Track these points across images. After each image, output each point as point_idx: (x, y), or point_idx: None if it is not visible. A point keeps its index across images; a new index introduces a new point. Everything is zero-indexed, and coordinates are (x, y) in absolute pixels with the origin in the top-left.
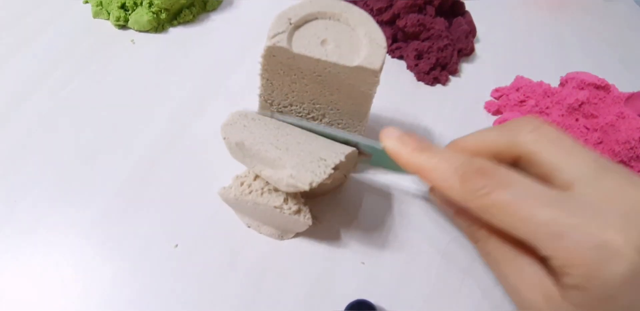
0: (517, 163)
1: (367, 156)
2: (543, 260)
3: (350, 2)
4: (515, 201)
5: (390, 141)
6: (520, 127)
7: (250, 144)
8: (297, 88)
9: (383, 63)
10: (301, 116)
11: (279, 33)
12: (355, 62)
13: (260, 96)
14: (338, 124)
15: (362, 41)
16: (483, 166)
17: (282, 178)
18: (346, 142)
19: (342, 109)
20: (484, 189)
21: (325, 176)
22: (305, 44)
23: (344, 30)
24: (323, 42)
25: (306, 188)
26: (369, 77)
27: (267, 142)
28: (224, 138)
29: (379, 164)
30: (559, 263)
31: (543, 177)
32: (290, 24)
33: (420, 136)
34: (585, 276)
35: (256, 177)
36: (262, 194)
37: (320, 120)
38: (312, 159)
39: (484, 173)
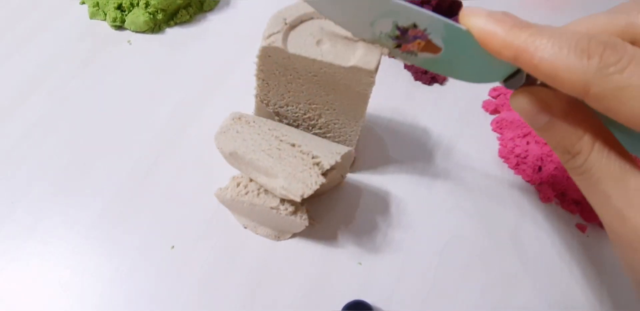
0: None
1: (435, 50)
2: None
3: None
4: None
5: (479, 19)
6: (639, 8)
7: (243, 153)
8: (293, 88)
9: (379, 63)
10: (297, 116)
11: (274, 33)
12: (350, 62)
13: (256, 96)
14: (334, 124)
15: (357, 41)
16: (610, 40)
17: (275, 187)
18: (413, 23)
19: (339, 109)
20: (617, 65)
21: (316, 187)
22: (301, 44)
23: (339, 30)
24: (319, 42)
25: (297, 199)
26: (365, 78)
27: (259, 150)
28: (218, 148)
29: (447, 62)
30: None
31: None
32: (286, 24)
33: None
34: None
35: None
36: (258, 195)
37: (317, 120)
38: (304, 168)
39: (613, 47)
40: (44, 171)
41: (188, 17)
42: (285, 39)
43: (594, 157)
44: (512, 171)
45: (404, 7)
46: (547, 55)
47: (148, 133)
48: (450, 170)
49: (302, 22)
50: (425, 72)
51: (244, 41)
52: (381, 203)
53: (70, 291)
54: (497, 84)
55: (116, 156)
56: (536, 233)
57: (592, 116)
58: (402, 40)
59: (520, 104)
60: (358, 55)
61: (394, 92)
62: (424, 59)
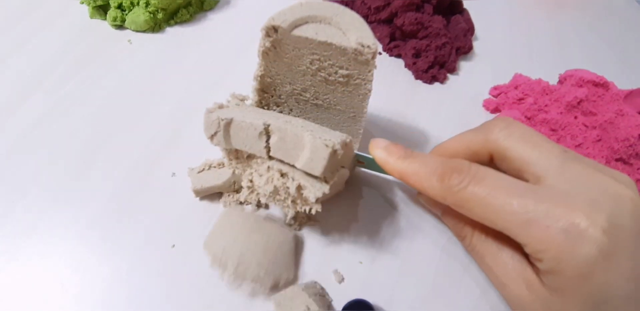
0: (493, 160)
1: (362, 163)
2: (524, 253)
3: (348, 0)
4: (489, 194)
5: (377, 151)
6: (493, 126)
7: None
8: None
9: (327, 164)
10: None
11: (213, 135)
12: (298, 163)
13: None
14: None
15: (305, 133)
16: (457, 165)
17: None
18: None
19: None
20: (460, 185)
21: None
22: (243, 138)
23: (334, 33)
24: (262, 134)
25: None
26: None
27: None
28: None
29: (372, 169)
30: (531, 249)
31: (516, 172)
32: (222, 120)
33: (404, 146)
34: (556, 260)
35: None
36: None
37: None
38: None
39: (458, 171)
40: (44, 170)
41: (188, 16)
42: (227, 136)
43: (475, 239)
44: None
45: None
46: (416, 179)
47: (148, 132)
48: None
49: (296, 26)
50: (426, 70)
51: (244, 40)
52: (381, 203)
53: (70, 290)
54: (498, 83)
55: (116, 155)
56: None
57: None
58: None
59: (421, 201)
60: (304, 157)
61: (394, 91)
62: (359, 165)
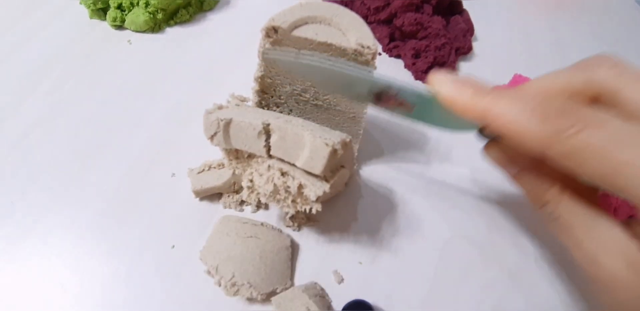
0: (595, 104)
1: (408, 107)
2: (624, 223)
3: (347, 1)
4: (612, 142)
5: (445, 86)
6: (596, 65)
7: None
8: None
9: (327, 163)
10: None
11: (213, 135)
12: (298, 162)
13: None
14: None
15: (305, 132)
16: (564, 105)
17: None
18: (385, 90)
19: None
20: (571, 129)
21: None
22: (242, 138)
23: (334, 34)
24: (260, 133)
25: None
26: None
27: None
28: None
29: (421, 116)
30: None
31: (628, 118)
32: (221, 120)
33: (478, 79)
34: None
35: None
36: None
37: None
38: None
39: (568, 112)
40: (44, 171)
41: (188, 16)
42: (226, 136)
43: (563, 206)
44: None
45: (371, 80)
46: (507, 119)
47: (148, 132)
48: (450, 170)
49: (296, 27)
50: (426, 71)
51: (244, 40)
52: (381, 203)
53: (69, 290)
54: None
55: (116, 156)
56: (537, 232)
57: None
58: (378, 99)
59: (491, 155)
60: (304, 156)
61: None
62: (400, 113)
